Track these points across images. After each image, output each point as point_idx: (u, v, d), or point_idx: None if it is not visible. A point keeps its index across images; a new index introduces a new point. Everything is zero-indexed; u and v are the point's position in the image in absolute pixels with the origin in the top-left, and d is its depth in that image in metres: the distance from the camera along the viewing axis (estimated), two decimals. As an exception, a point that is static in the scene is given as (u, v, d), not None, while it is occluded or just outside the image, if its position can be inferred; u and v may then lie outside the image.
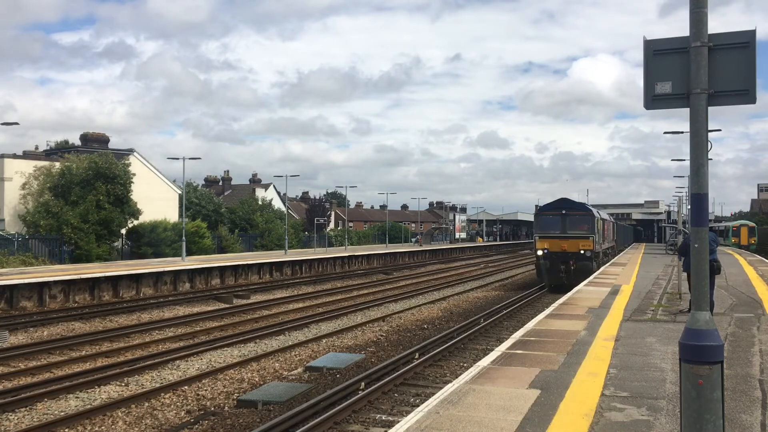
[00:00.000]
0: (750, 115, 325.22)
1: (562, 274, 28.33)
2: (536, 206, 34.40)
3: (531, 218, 35.03)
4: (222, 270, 31.31)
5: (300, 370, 13.52)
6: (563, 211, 29.09)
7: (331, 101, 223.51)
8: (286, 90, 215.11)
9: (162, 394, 11.46)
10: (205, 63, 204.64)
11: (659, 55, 5.17)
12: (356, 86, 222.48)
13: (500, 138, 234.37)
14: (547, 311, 15.17)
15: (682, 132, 30.28)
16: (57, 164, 38.63)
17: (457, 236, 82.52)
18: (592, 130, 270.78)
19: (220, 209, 54.81)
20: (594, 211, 30.88)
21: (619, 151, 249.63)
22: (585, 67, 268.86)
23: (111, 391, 11.80)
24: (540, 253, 29.10)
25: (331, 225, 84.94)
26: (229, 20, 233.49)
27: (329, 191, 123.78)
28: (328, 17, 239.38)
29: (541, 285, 29.12)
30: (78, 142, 51.00)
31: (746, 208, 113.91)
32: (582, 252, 28.29)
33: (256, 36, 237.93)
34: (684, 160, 41.15)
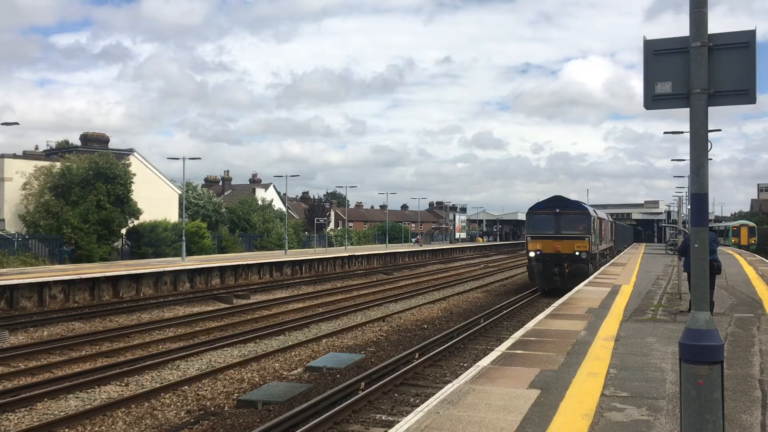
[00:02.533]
0: (743, 116, 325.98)
1: (555, 277, 26.66)
2: (534, 206, 33.40)
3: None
4: (222, 270, 31.31)
5: (300, 370, 13.51)
6: (557, 210, 27.36)
7: (326, 102, 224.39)
8: (281, 91, 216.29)
9: (162, 394, 11.46)
10: (201, 65, 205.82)
11: (659, 55, 5.17)
12: (352, 87, 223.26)
13: (495, 138, 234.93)
14: (547, 311, 15.17)
15: (681, 132, 30.30)
16: (57, 164, 38.61)
17: (457, 236, 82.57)
18: (587, 130, 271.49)
19: (220, 209, 54.82)
20: (590, 209, 29.31)
21: (614, 152, 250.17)
22: (578, 68, 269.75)
23: (111, 391, 11.80)
24: (532, 254, 27.30)
25: (331, 225, 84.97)
26: (224, 23, 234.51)
27: (329, 191, 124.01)
28: (321, 20, 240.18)
29: (535, 288, 27.78)
30: (77, 143, 51.00)
31: (742, 208, 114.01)
32: (577, 253, 26.63)
33: (251, 38, 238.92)
34: (683, 160, 41.22)
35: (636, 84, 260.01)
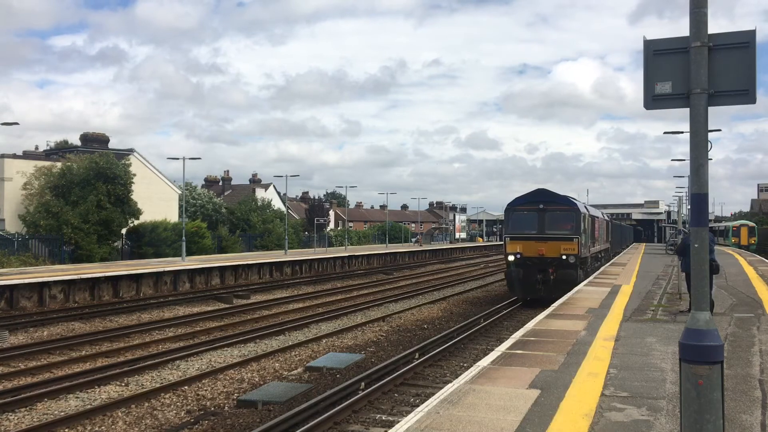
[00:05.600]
0: (734, 117, 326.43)
1: (539, 285, 22.76)
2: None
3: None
4: (222, 270, 31.31)
5: (300, 370, 13.52)
6: (541, 206, 23.26)
7: (321, 103, 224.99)
8: (276, 92, 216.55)
9: (162, 394, 11.46)
10: (196, 67, 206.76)
11: (659, 55, 5.17)
12: (346, 89, 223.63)
13: (490, 139, 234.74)
14: (547, 311, 15.17)
15: (681, 132, 30.30)
16: (57, 164, 38.62)
17: (457, 236, 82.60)
18: (580, 131, 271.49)
19: (220, 209, 54.82)
20: (580, 205, 25.60)
21: (609, 152, 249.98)
22: (568, 69, 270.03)
23: (111, 391, 11.80)
24: (511, 258, 23.22)
25: (331, 225, 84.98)
26: (218, 26, 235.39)
27: (329, 191, 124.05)
28: (315, 23, 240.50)
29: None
30: (76, 143, 51.02)
31: (741, 208, 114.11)
32: (564, 257, 22.71)
33: (246, 41, 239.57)
34: (682, 160, 41.28)
35: (626, 85, 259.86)
